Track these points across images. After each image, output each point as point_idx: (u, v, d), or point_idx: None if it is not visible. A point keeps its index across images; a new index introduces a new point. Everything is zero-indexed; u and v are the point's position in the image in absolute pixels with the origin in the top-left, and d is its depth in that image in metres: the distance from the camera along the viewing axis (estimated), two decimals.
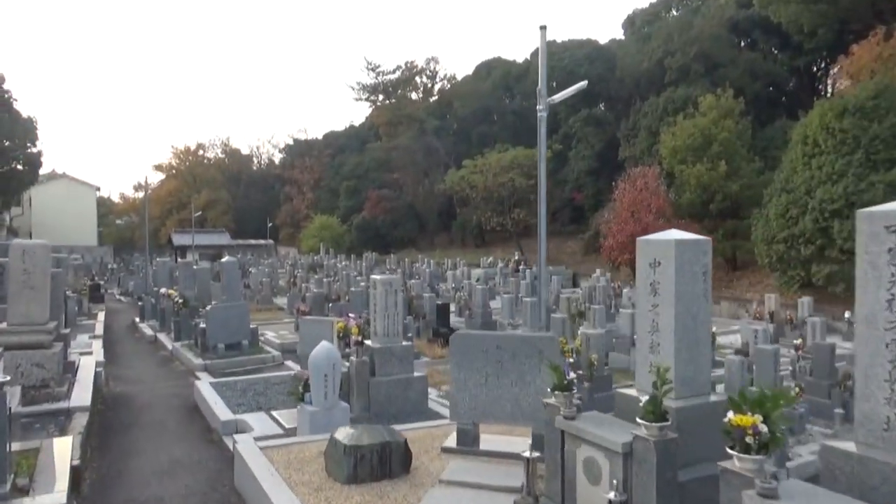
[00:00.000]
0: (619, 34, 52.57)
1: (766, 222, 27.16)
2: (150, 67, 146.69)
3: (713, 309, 20.25)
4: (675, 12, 48.57)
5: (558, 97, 10.21)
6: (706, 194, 31.72)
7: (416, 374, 8.74)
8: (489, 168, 43.57)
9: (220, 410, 8.49)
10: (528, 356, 6.04)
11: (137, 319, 19.53)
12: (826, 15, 35.68)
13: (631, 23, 50.87)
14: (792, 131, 35.17)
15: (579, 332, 16.71)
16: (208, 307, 13.35)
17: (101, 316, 19.34)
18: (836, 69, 46.13)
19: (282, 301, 27.34)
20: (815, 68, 45.05)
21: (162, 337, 16.36)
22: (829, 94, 45.07)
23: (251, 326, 13.80)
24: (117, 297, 31.74)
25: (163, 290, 17.66)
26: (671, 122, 35.39)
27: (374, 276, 8.88)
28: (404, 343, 8.78)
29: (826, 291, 24.90)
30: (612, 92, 45.54)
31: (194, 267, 18.50)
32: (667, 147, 33.30)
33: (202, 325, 13.23)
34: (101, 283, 29.73)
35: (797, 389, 12.56)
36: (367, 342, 8.47)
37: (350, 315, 10.54)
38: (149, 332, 17.34)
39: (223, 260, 14.16)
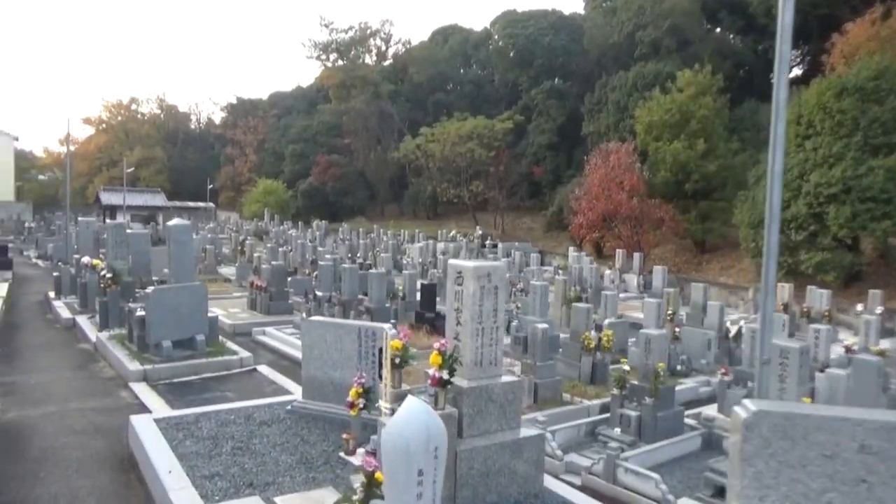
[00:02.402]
0: (580, 7, 49.38)
1: (752, 205, 24.60)
2: (81, 11, 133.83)
3: (696, 295, 17.48)
4: None
5: None
6: (682, 174, 29.05)
7: (523, 431, 5.08)
8: (447, 137, 39.75)
9: (180, 493, 4.61)
10: None
11: (52, 294, 14.90)
12: None
13: None
14: (761, 113, 33.14)
15: (605, 323, 13.47)
16: (150, 289, 9.21)
17: (4, 289, 14.65)
18: (797, 56, 44.62)
19: (228, 271, 23.17)
20: (770, 53, 43.24)
21: (82, 322, 12.00)
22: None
23: (209, 314, 9.70)
24: (33, 259, 26.47)
25: (85, 260, 13.21)
26: (642, 97, 32.58)
27: (457, 263, 5.13)
28: (506, 378, 5.09)
29: (812, 280, 22.56)
30: (575, 65, 42.29)
31: (128, 231, 14.02)
32: (641, 123, 30.40)
33: (140, 313, 9.08)
34: (10, 244, 24.35)
35: None
36: (454, 380, 4.74)
37: (393, 324, 6.70)
38: (65, 313, 12.90)
39: (171, 223, 9.95)
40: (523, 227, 41.79)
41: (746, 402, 2.67)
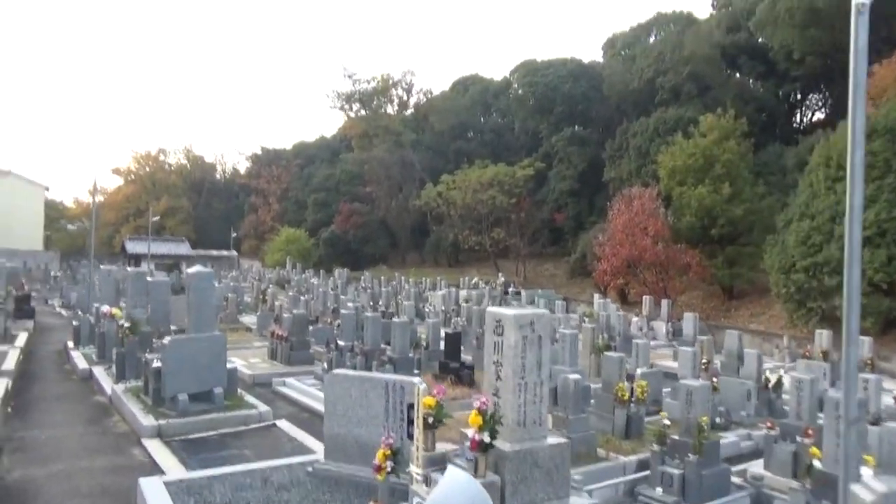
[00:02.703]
0: (598, 56, 49.69)
1: (782, 250, 23.90)
2: (112, 67, 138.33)
3: (730, 342, 16.72)
4: (654, 37, 45.90)
5: None
6: (707, 218, 28.43)
7: (573, 500, 4.52)
8: (468, 185, 39.70)
9: None
10: None
11: (71, 344, 14.63)
12: (819, 42, 33.31)
13: (611, 45, 48.08)
14: (786, 157, 32.65)
15: (638, 372, 12.81)
16: (167, 339, 8.82)
17: (23, 339, 14.39)
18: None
19: (249, 320, 22.90)
20: (791, 98, 42.97)
21: (99, 373, 11.64)
22: (804, 124, 43.11)
23: (228, 365, 9.27)
24: (57, 308, 26.42)
25: (104, 308, 12.94)
26: (664, 142, 32.31)
27: (495, 310, 4.65)
28: (552, 440, 4.54)
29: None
30: (595, 111, 42.34)
31: (148, 279, 13.77)
32: (664, 168, 29.99)
33: (156, 365, 8.69)
34: (35, 292, 24.32)
35: None
36: (496, 444, 4.20)
37: (417, 374, 6.15)
38: (82, 364, 12.58)
39: (191, 270, 9.61)
40: (546, 274, 41.23)
41: (868, 478, 2.19)
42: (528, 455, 4.45)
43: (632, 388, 11.18)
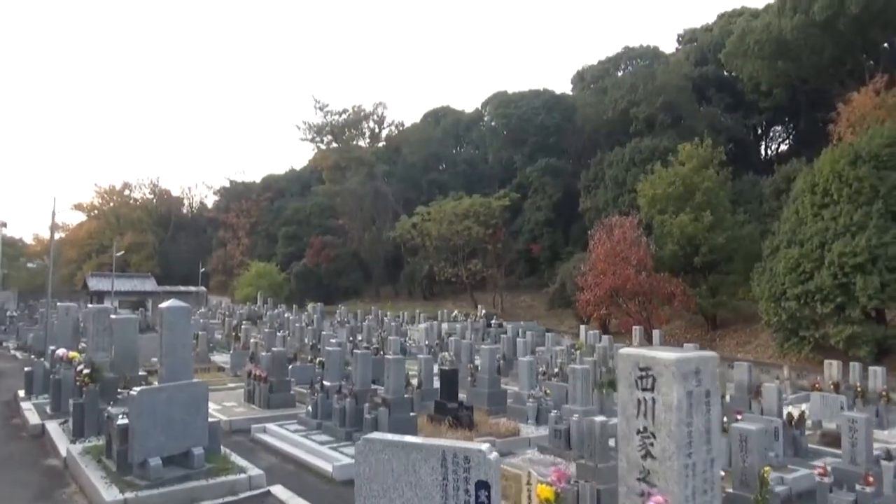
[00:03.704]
0: (566, 88, 49.48)
1: (771, 277, 23.16)
2: (74, 99, 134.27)
3: (740, 375, 15.56)
4: (622, 70, 45.89)
5: None
6: (689, 246, 27.67)
7: None
8: (444, 216, 38.53)
9: None
10: None
11: (22, 393, 12.68)
12: (786, 74, 33.44)
13: (580, 78, 48.03)
14: (765, 185, 32.34)
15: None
16: (136, 390, 7.15)
17: None
18: (778, 131, 44.61)
19: (221, 358, 21.09)
20: (757, 129, 43.26)
21: (53, 429, 9.81)
22: (769, 155, 43.32)
23: (210, 419, 7.63)
24: (12, 351, 24.18)
25: (60, 352, 11.14)
26: (640, 171, 31.74)
27: (640, 353, 3.27)
28: None
29: (839, 355, 20.66)
30: (568, 142, 41.80)
31: (112, 316, 12.04)
32: (645, 196, 29.28)
33: (122, 421, 7.03)
34: None
35: None
36: None
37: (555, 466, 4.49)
38: (34, 418, 10.68)
39: (165, 305, 8.00)
40: (523, 305, 40.03)
41: None
42: None
43: None
